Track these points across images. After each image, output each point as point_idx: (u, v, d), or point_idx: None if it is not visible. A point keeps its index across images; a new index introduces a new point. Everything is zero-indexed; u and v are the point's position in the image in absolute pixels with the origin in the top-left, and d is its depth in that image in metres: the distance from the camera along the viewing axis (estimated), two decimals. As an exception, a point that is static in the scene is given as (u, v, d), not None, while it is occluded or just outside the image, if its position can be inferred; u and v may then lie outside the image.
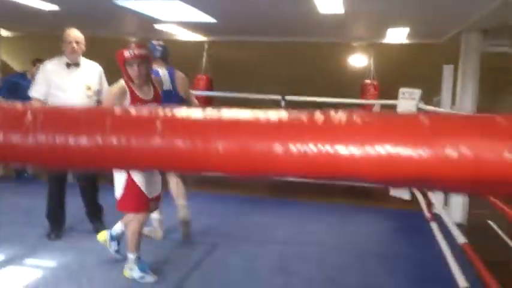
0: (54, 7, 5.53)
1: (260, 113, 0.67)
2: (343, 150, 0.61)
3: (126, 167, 1.05)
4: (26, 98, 6.27)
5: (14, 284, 3.16)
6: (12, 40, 8.60)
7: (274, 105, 6.33)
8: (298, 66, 8.20)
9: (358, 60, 7.77)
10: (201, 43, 7.84)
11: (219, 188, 5.62)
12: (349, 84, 7.52)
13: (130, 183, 3.14)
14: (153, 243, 3.80)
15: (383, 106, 6.94)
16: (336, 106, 8.07)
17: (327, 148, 0.62)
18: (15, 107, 0.88)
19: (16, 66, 9.36)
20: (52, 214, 3.98)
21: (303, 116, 0.66)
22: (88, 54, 8.71)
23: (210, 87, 7.61)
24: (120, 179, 3.13)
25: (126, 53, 2.98)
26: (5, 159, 0.89)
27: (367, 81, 7.28)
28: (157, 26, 6.76)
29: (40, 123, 0.80)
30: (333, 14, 5.17)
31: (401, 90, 5.09)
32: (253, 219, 4.90)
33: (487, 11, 4.49)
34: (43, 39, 8.62)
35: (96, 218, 4.04)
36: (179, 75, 3.92)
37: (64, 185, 3.97)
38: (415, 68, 7.47)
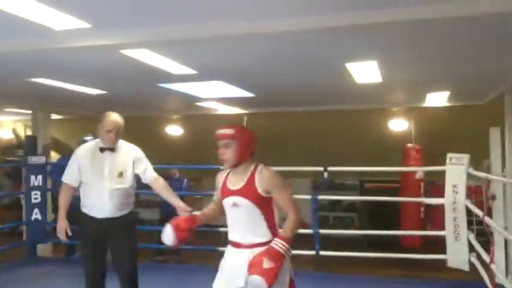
0: (101, 92, 5.84)
1: None
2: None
3: None
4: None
5: None
6: (63, 121, 9.07)
7: (317, 176, 6.28)
8: (336, 133, 8.20)
9: (399, 125, 7.70)
10: (240, 115, 8.02)
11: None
12: (390, 150, 7.42)
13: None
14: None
15: (428, 172, 6.77)
16: (379, 174, 7.95)
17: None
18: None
19: (68, 141, 9.77)
20: None
21: None
22: (131, 132, 9.03)
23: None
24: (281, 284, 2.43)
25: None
26: None
27: (409, 145, 7.17)
28: (198, 103, 6.99)
29: None
30: (371, 84, 5.22)
31: (449, 155, 4.94)
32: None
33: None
34: (90, 120, 9.07)
35: None
36: None
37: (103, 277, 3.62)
38: (458, 130, 7.32)
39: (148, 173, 3.59)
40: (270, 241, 2.43)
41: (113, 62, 4.03)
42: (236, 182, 2.57)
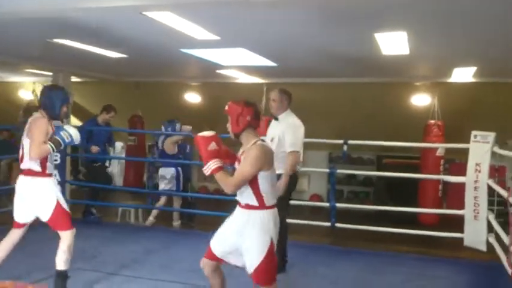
0: (122, 55, 5.79)
1: None
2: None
3: None
4: (100, 143, 6.62)
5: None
6: (83, 85, 9.07)
7: (335, 148, 6.22)
8: (357, 106, 8.07)
9: (421, 100, 7.53)
10: (259, 85, 7.92)
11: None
12: (411, 125, 7.28)
13: (271, 248, 2.83)
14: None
15: (449, 150, 6.65)
16: (398, 150, 7.84)
17: None
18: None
19: (88, 107, 9.84)
20: None
21: None
22: (150, 98, 8.98)
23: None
24: (260, 241, 2.81)
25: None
26: None
27: (431, 121, 7.03)
28: (219, 71, 6.91)
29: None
30: (397, 55, 5.08)
31: (474, 133, 4.83)
32: (315, 269, 4.71)
33: None
34: (110, 84, 9.06)
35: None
36: None
37: None
38: (483, 108, 7.14)
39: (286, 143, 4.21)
40: (259, 206, 2.81)
41: (136, 25, 3.97)
42: (241, 151, 2.96)
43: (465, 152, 5.07)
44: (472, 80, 6.82)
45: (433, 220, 6.64)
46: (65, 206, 3.72)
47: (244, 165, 2.78)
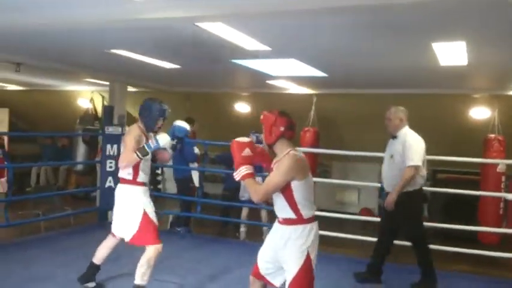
0: (175, 66, 5.91)
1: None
2: None
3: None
4: (189, 155, 6.49)
5: None
6: (138, 95, 9.32)
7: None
8: (411, 119, 7.80)
9: (480, 113, 7.18)
10: (309, 96, 7.85)
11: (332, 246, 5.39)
12: (469, 139, 6.95)
13: (308, 262, 2.78)
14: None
15: (510, 166, 6.29)
16: (455, 165, 7.51)
17: None
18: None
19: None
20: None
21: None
22: (200, 108, 9.08)
23: (316, 140, 7.52)
24: (298, 252, 2.77)
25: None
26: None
27: (491, 135, 6.67)
28: (268, 81, 6.91)
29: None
30: (455, 66, 4.88)
31: (539, 149, 4.54)
32: (363, 285, 4.56)
33: None
34: (163, 95, 9.25)
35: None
36: None
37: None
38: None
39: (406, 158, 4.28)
40: (297, 219, 2.74)
41: (189, 35, 4.03)
42: (275, 163, 2.86)
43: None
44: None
45: (493, 239, 6.27)
46: (153, 217, 3.63)
47: (275, 174, 2.73)
